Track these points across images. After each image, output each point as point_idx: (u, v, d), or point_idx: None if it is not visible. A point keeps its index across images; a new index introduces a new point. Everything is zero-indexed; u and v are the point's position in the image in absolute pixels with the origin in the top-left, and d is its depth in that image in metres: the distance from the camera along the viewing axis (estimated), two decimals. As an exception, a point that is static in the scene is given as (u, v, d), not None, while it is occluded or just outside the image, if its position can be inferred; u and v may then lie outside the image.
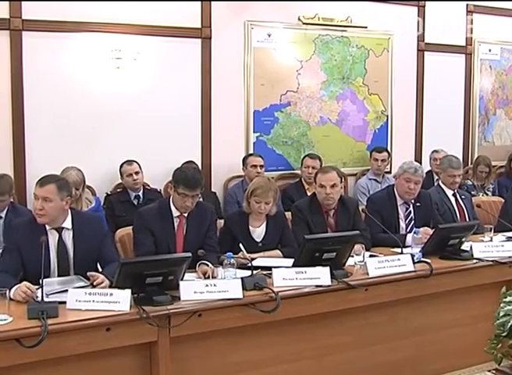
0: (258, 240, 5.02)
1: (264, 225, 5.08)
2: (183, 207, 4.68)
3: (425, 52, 8.48)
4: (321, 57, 7.78)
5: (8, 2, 6.21)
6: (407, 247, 4.93)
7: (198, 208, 4.79)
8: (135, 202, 6.50)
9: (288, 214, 5.45)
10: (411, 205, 5.55)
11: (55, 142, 6.49)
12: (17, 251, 4.13)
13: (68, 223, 4.24)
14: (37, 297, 3.65)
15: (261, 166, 6.98)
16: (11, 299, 3.58)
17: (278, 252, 4.96)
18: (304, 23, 7.61)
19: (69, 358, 3.48)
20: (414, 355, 4.63)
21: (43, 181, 4.18)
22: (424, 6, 8.36)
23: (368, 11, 7.94)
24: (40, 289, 3.58)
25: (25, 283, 3.75)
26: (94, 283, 3.88)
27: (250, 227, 5.05)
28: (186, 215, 4.75)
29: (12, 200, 5.80)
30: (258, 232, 5.05)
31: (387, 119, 8.29)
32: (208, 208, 4.98)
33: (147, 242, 4.62)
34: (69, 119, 6.55)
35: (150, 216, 4.72)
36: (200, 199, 5.13)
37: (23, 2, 6.25)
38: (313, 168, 6.95)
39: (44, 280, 3.67)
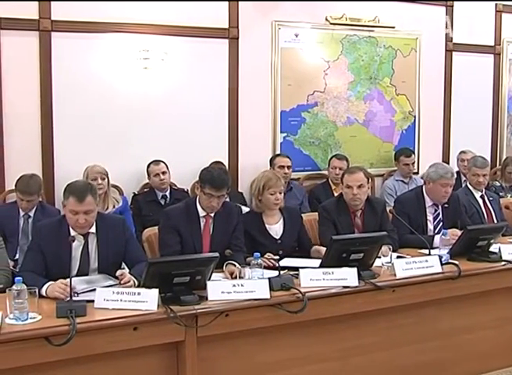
0: (277, 237, 5.00)
1: (281, 221, 5.07)
2: (209, 207, 4.68)
3: (453, 52, 8.43)
4: (349, 57, 7.76)
5: (37, 3, 6.26)
6: (435, 248, 4.89)
7: (225, 208, 4.79)
8: (162, 202, 6.52)
9: (314, 214, 5.46)
10: (440, 207, 5.52)
11: (82, 142, 6.54)
12: (41, 252, 4.14)
13: (93, 228, 4.22)
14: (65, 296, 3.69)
15: (289, 167, 6.97)
16: (40, 297, 3.61)
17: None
18: (331, 23, 7.60)
19: (96, 356, 3.49)
20: (441, 357, 4.59)
21: (79, 196, 4.04)
22: (452, 6, 8.31)
23: (395, 11, 7.93)
24: (69, 288, 3.61)
25: (60, 280, 3.78)
26: (121, 282, 3.89)
27: (267, 225, 5.03)
28: (212, 215, 4.75)
29: (40, 199, 5.86)
30: (276, 229, 5.04)
31: (414, 120, 8.25)
32: (235, 208, 4.98)
33: (172, 243, 4.64)
34: (97, 120, 6.60)
35: (176, 216, 4.72)
36: (227, 199, 5.13)
37: (52, 3, 6.29)
38: (340, 169, 6.92)
39: (72, 279, 3.70)
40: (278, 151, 7.38)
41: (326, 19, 7.59)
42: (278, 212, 5.07)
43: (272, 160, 7.07)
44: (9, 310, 3.40)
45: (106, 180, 6.08)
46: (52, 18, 6.31)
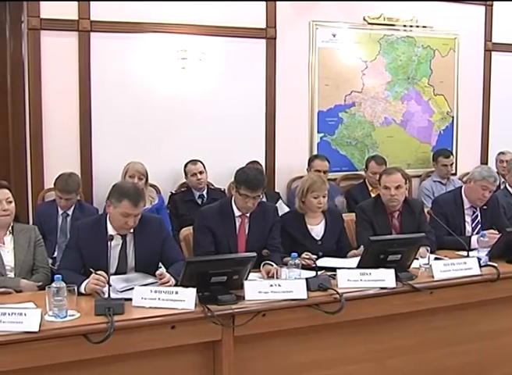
0: (318, 238, 4.99)
1: (323, 222, 5.06)
2: (244, 207, 4.68)
3: (492, 52, 8.33)
4: (386, 57, 7.72)
5: (77, 4, 6.31)
6: (473, 250, 4.85)
7: (261, 208, 4.79)
8: (199, 202, 6.53)
9: (352, 215, 5.44)
10: (478, 209, 5.47)
11: (120, 142, 6.58)
12: (79, 250, 4.17)
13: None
14: (103, 293, 3.73)
15: (325, 172, 6.82)
16: (79, 295, 3.65)
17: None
18: (369, 23, 7.57)
19: (133, 354, 3.52)
20: (478, 360, 4.55)
21: (134, 200, 4.10)
22: (491, 5, 8.22)
23: (433, 10, 7.87)
24: (107, 286, 3.64)
25: (94, 274, 3.82)
26: (160, 282, 3.91)
27: (309, 226, 5.02)
28: (248, 215, 4.76)
29: (78, 198, 5.91)
30: (317, 230, 5.03)
31: (452, 120, 8.18)
32: (271, 208, 4.98)
33: (205, 244, 4.65)
34: (135, 119, 6.64)
35: (211, 215, 4.73)
36: (264, 199, 5.13)
37: (91, 3, 6.35)
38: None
39: (111, 277, 3.73)
40: (315, 152, 7.36)
41: (364, 19, 7.55)
42: (320, 213, 5.07)
43: (310, 161, 7.03)
44: (49, 307, 3.44)
45: (144, 180, 6.09)
46: (91, 18, 6.36)
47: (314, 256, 4.53)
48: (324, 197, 4.96)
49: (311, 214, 5.04)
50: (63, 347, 3.31)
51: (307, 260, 4.38)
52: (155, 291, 3.67)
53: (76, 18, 6.32)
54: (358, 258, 4.38)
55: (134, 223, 4.15)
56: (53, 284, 3.42)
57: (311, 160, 7.03)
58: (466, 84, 8.17)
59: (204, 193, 6.61)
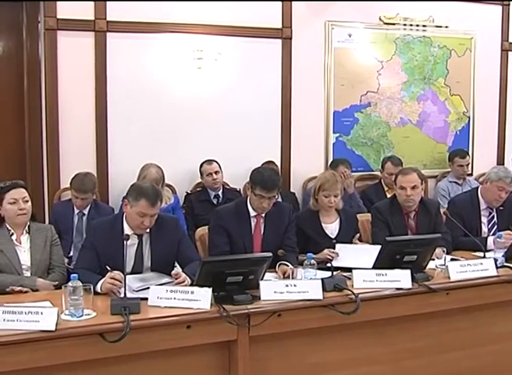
0: (332, 236, 4.97)
1: (337, 221, 5.07)
2: (259, 208, 4.67)
3: (509, 52, 8.29)
4: (402, 57, 7.70)
5: (93, 4, 6.34)
6: (489, 251, 4.83)
7: (276, 208, 4.78)
8: (214, 201, 6.54)
9: (367, 215, 5.43)
10: (494, 209, 5.44)
11: (136, 141, 6.60)
12: (95, 250, 4.18)
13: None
14: (119, 292, 3.74)
15: (346, 176, 6.75)
16: (95, 294, 3.66)
17: None
18: (384, 23, 7.55)
19: (149, 354, 3.52)
20: (495, 362, 4.52)
21: (152, 200, 4.10)
22: (508, 5, 8.18)
23: (450, 10, 7.84)
24: (123, 285, 3.65)
25: (110, 273, 3.85)
26: (175, 282, 3.92)
27: (323, 224, 5.03)
28: (263, 215, 4.75)
29: (94, 197, 5.93)
30: (332, 228, 5.03)
31: (469, 121, 8.14)
32: (287, 208, 4.96)
33: (220, 244, 4.65)
34: (151, 119, 6.65)
35: (226, 215, 4.73)
36: (279, 199, 5.12)
37: (107, 4, 6.37)
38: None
39: (127, 277, 3.74)
40: (330, 152, 7.37)
41: (380, 19, 7.53)
42: (335, 212, 5.07)
43: (332, 164, 7.00)
44: (65, 306, 3.45)
45: (159, 185, 6.08)
46: (108, 19, 6.39)
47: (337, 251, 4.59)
48: (335, 196, 4.96)
49: (325, 212, 5.05)
50: (79, 346, 3.32)
51: (331, 255, 4.38)
52: (171, 291, 3.67)
53: (93, 18, 6.35)
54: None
55: (150, 224, 4.15)
56: (69, 283, 3.43)
57: (333, 163, 7.00)
58: (482, 84, 8.14)
59: (220, 193, 6.62)
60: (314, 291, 3.81)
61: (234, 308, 3.64)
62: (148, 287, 3.74)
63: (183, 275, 3.97)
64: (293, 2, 7.09)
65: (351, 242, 5.02)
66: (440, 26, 7.85)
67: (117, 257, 3.99)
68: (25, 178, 6.09)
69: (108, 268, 3.87)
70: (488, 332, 4.48)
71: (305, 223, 5.02)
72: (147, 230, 4.24)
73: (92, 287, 3.56)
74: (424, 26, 7.77)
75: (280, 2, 7.06)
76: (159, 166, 6.23)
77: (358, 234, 5.06)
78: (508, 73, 8.32)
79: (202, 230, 5.10)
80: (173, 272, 4.02)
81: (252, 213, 4.73)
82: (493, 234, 5.22)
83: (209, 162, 6.60)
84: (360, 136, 7.57)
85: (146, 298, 3.65)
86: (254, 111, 7.02)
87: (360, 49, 7.49)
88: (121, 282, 3.75)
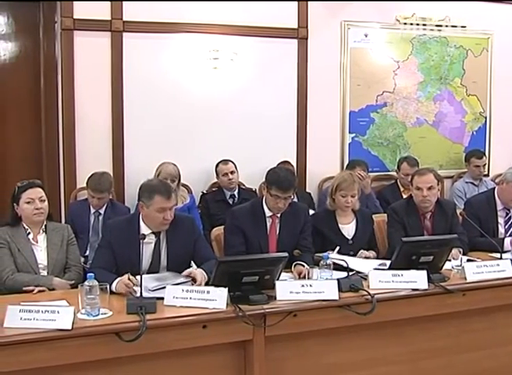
0: (349, 237, 4.98)
1: (354, 222, 5.06)
2: (275, 208, 4.67)
3: (526, 52, 8.26)
4: (419, 57, 7.68)
5: (109, 4, 6.36)
6: (506, 252, 4.81)
7: (292, 209, 4.77)
8: (230, 201, 6.54)
9: (383, 215, 5.42)
10: (511, 211, 5.41)
11: (152, 141, 6.62)
12: (111, 249, 4.19)
13: None
14: (135, 292, 3.74)
15: (363, 177, 6.65)
16: (111, 293, 3.66)
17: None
18: (401, 23, 7.53)
19: (165, 353, 3.53)
20: (512, 364, 4.52)
21: (166, 193, 4.15)
22: (525, 4, 8.16)
23: (466, 10, 7.81)
24: (140, 285, 3.65)
25: (126, 276, 3.84)
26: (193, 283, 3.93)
27: (340, 225, 5.02)
28: (279, 215, 4.74)
29: (110, 197, 5.95)
30: (348, 229, 5.02)
31: (485, 121, 8.11)
32: (302, 208, 4.96)
33: (236, 244, 4.65)
34: (167, 119, 6.67)
35: (242, 215, 4.73)
36: (295, 199, 5.11)
37: (124, 3, 6.39)
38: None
39: (143, 277, 3.74)
40: (346, 152, 7.36)
41: (396, 19, 7.52)
42: (351, 212, 5.06)
43: (349, 165, 6.98)
44: (81, 305, 3.47)
45: (176, 183, 6.10)
46: (124, 19, 6.41)
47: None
48: (353, 196, 4.95)
49: (342, 213, 5.04)
50: (95, 345, 3.33)
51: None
52: (187, 291, 3.68)
53: (109, 18, 6.38)
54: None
55: (171, 217, 4.16)
56: (86, 283, 3.45)
57: (350, 164, 6.97)
58: (499, 84, 8.09)
59: (235, 193, 6.63)
60: (330, 292, 3.81)
61: (250, 308, 3.64)
62: (164, 287, 3.75)
63: (197, 271, 3.99)
64: (309, 2, 7.08)
65: (368, 244, 5.03)
66: (456, 26, 7.81)
67: (133, 256, 4.02)
68: (41, 177, 6.11)
69: (130, 275, 3.85)
70: (506, 333, 4.46)
71: (322, 222, 5.02)
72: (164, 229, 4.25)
73: (108, 287, 3.57)
74: (440, 26, 7.74)
75: (296, 2, 7.05)
76: (175, 164, 6.24)
77: (363, 251, 4.94)
78: (525, 73, 8.28)
79: (218, 230, 5.10)
80: (184, 272, 4.04)
81: (268, 213, 4.72)
82: (510, 235, 5.21)
83: (225, 162, 6.61)
84: (377, 136, 7.56)
85: (162, 298, 3.65)
86: (269, 111, 7.02)
87: (377, 49, 7.48)
88: (137, 286, 3.75)
